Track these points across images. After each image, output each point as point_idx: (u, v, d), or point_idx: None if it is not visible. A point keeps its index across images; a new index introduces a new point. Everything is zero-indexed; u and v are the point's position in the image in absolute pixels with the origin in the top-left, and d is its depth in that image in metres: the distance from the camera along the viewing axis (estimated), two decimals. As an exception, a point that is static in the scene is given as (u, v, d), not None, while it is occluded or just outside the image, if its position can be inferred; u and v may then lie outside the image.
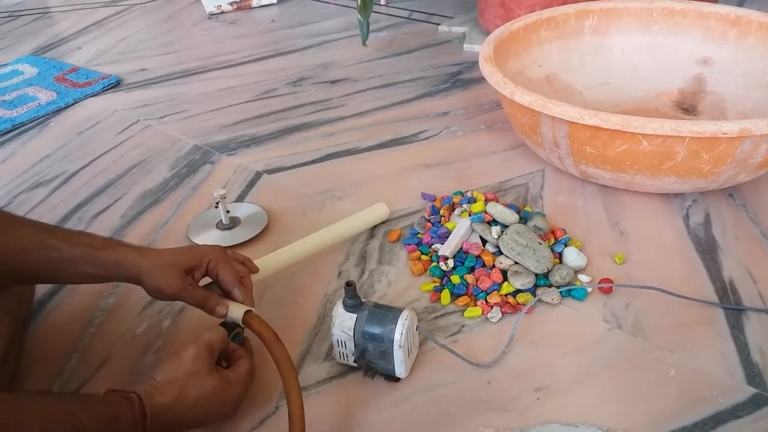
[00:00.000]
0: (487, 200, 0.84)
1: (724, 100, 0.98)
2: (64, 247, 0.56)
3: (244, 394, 0.56)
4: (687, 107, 1.01)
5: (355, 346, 0.58)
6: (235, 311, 0.58)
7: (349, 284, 0.58)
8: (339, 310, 0.59)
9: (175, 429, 0.51)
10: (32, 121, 1.24)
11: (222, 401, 0.53)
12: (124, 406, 0.47)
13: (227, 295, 0.60)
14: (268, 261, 0.70)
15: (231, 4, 1.82)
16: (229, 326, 0.59)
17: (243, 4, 1.83)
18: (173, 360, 0.53)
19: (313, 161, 1.01)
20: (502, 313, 0.67)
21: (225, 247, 0.64)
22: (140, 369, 0.64)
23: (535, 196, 0.88)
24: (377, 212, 0.83)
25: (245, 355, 0.57)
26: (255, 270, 0.66)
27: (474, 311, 0.67)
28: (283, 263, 0.72)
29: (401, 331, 0.56)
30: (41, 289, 0.75)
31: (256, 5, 1.85)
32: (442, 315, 0.68)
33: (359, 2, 1.29)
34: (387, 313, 0.58)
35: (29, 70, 1.49)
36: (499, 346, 0.63)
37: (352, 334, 0.58)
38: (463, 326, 0.66)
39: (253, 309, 0.59)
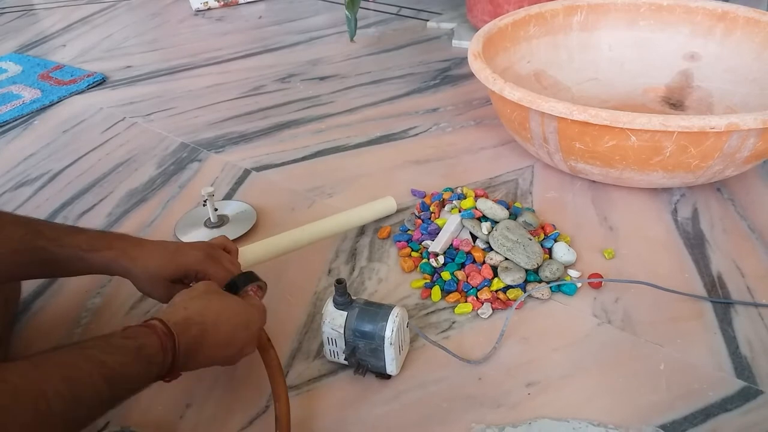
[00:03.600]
0: (477, 196, 0.84)
1: (711, 95, 0.98)
2: (52, 249, 0.55)
3: (261, 325, 0.55)
4: (674, 102, 1.02)
5: (345, 344, 0.58)
6: None
7: (339, 282, 0.57)
8: (329, 307, 0.59)
9: (204, 350, 0.49)
10: (16, 120, 1.22)
11: (244, 322, 0.52)
12: (146, 334, 0.45)
13: None
14: (269, 244, 0.70)
15: (218, 0, 1.81)
16: None
17: (230, 0, 1.82)
18: (185, 290, 0.53)
19: (303, 158, 1.00)
20: (493, 309, 0.67)
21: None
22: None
23: (525, 192, 0.88)
24: (385, 205, 0.82)
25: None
26: (234, 251, 0.65)
27: (464, 307, 0.67)
28: (283, 248, 0.72)
29: (392, 328, 0.56)
30: (27, 290, 0.73)
31: (243, 2, 1.83)
32: (432, 312, 0.68)
33: (347, -2, 1.29)
34: (377, 311, 0.57)
35: (13, 68, 1.47)
36: (489, 342, 0.63)
37: (342, 331, 0.57)
38: (453, 323, 0.66)
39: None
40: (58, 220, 0.88)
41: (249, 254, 0.69)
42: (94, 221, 0.87)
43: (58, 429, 0.37)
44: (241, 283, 0.58)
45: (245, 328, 0.53)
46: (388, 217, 0.84)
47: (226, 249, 0.64)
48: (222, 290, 0.55)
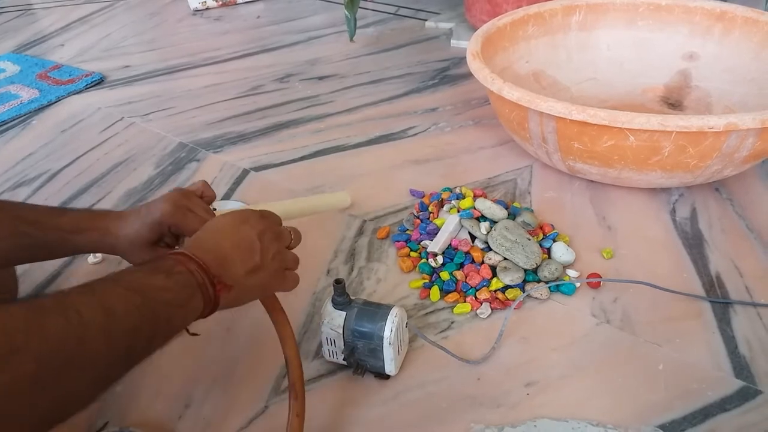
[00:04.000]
0: (475, 196, 0.84)
1: (710, 95, 0.99)
2: (35, 234, 0.55)
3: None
4: (673, 102, 1.02)
5: (344, 344, 0.58)
6: None
7: (338, 282, 0.57)
8: (328, 308, 0.59)
9: (229, 263, 0.47)
10: (14, 120, 1.22)
11: (241, 219, 0.50)
12: (169, 259, 0.44)
13: None
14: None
15: (216, 0, 1.81)
16: None
17: (228, 0, 1.82)
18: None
19: (302, 158, 1.00)
20: (492, 309, 0.67)
21: None
22: (128, 382, 0.63)
23: (524, 191, 0.88)
24: (338, 198, 0.80)
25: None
26: (212, 196, 0.63)
27: (463, 307, 0.67)
28: None
29: (391, 328, 0.56)
30: (34, 280, 0.73)
31: (241, 1, 1.83)
32: (431, 312, 0.68)
33: (346, -2, 1.29)
34: (376, 311, 0.57)
35: (11, 68, 1.46)
36: (488, 342, 0.63)
37: (341, 331, 0.57)
38: (452, 323, 0.66)
39: None
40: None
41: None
42: (93, 221, 0.87)
43: (100, 342, 0.35)
44: None
45: (245, 221, 0.51)
46: (386, 216, 0.84)
47: (203, 195, 0.62)
48: None
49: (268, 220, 0.53)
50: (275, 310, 0.55)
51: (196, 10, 1.79)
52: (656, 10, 1.03)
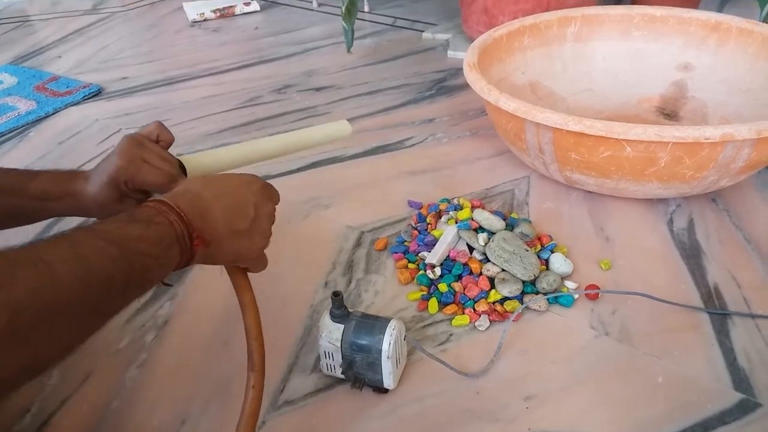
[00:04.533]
0: (473, 207, 0.84)
1: (706, 106, 0.99)
2: (13, 202, 0.56)
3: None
4: (669, 113, 1.02)
5: (342, 358, 0.58)
6: None
7: (336, 294, 0.57)
8: (326, 321, 0.58)
9: (211, 216, 0.46)
10: (11, 132, 1.22)
11: (244, 182, 0.50)
12: (150, 208, 0.43)
13: None
14: (218, 154, 0.64)
15: (214, 11, 1.81)
16: None
17: (226, 11, 1.82)
18: None
19: (298, 169, 1.00)
20: (490, 321, 0.67)
21: None
22: (124, 384, 0.62)
23: (521, 202, 0.88)
24: (338, 128, 0.74)
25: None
26: (170, 139, 0.60)
27: (462, 320, 0.67)
28: (234, 161, 0.65)
29: (389, 341, 0.56)
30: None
31: (239, 13, 1.84)
32: (429, 324, 0.68)
33: (343, 9, 1.29)
34: (375, 323, 0.57)
35: (8, 80, 1.47)
36: (487, 354, 0.63)
37: (339, 345, 0.57)
38: (451, 335, 0.66)
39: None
40: (52, 234, 0.88)
41: (194, 164, 0.61)
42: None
43: (73, 291, 0.34)
44: None
45: (246, 186, 0.50)
46: (384, 227, 0.84)
47: (159, 139, 0.59)
48: None
49: (270, 194, 0.52)
50: (237, 274, 0.51)
51: (194, 22, 1.80)
52: (651, 21, 1.04)
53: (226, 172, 0.55)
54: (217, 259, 0.48)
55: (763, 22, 1.05)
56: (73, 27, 1.84)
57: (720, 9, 1.43)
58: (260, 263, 0.53)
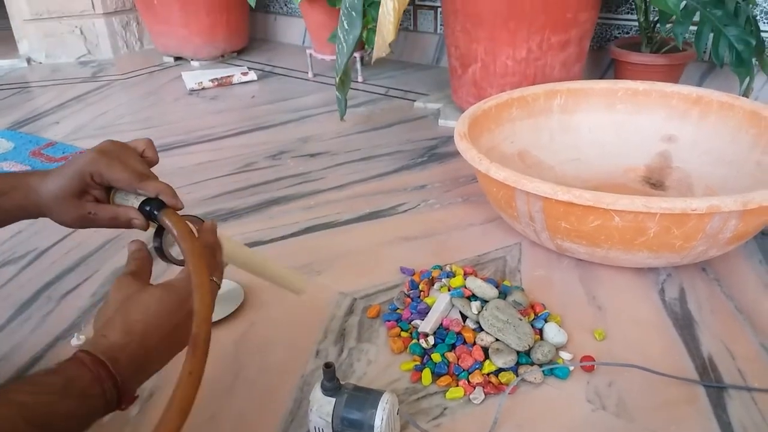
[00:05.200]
0: (466, 274, 0.84)
1: (690, 176, 1.02)
2: None
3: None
4: (654, 182, 1.05)
5: (333, 434, 0.56)
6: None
7: (328, 366, 0.56)
8: (317, 394, 0.57)
9: (150, 366, 0.46)
10: (5, 196, 1.22)
11: (176, 310, 0.46)
12: (72, 368, 0.41)
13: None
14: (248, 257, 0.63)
15: (212, 80, 1.87)
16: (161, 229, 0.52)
17: (224, 80, 1.88)
18: (101, 306, 0.48)
19: (292, 234, 1.01)
20: (485, 394, 0.65)
21: None
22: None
23: (513, 269, 0.88)
24: (298, 282, 0.71)
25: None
26: (154, 158, 0.58)
27: (456, 392, 0.66)
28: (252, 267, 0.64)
29: (382, 416, 0.54)
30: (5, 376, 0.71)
31: (236, 82, 1.89)
32: (423, 396, 0.66)
33: (337, 80, 1.33)
34: (367, 397, 0.56)
35: (5, 145, 1.48)
36: (483, 429, 0.61)
37: (330, 420, 0.56)
38: (445, 408, 0.64)
39: (166, 198, 0.52)
40: (41, 300, 0.87)
41: (231, 250, 0.59)
42: (78, 302, 0.86)
43: None
44: (156, 206, 0.51)
45: (180, 308, 0.46)
46: (376, 294, 0.83)
47: (144, 154, 0.57)
48: (136, 288, 0.47)
49: (206, 297, 0.46)
50: (193, 254, 0.48)
51: (193, 90, 1.85)
52: (634, 95, 1.08)
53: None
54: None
55: (743, 95, 1.10)
56: (71, 94, 1.88)
57: (700, 82, 1.49)
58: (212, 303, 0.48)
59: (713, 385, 0.65)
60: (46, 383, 0.39)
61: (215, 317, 0.79)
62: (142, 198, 0.53)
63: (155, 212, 0.52)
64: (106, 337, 0.44)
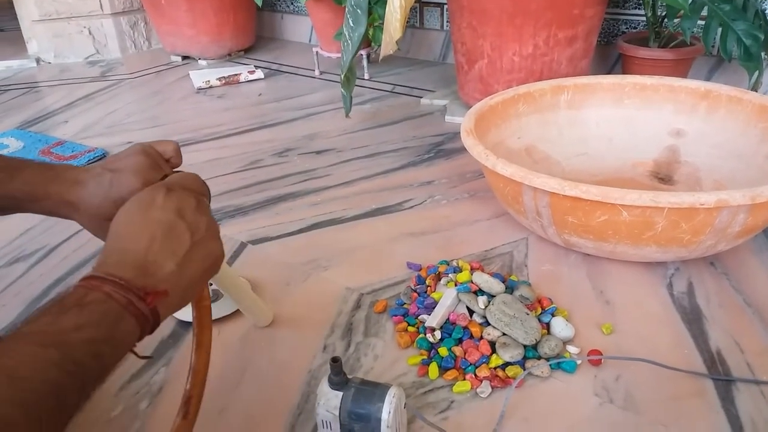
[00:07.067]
0: (472, 269, 0.84)
1: (699, 170, 1.01)
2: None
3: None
4: (663, 177, 1.04)
5: (341, 427, 0.56)
6: None
7: (335, 360, 0.56)
8: (324, 388, 0.57)
9: (157, 266, 0.41)
10: (15, 194, 1.23)
11: (175, 209, 0.44)
12: (78, 289, 0.38)
13: None
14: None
15: (219, 79, 1.87)
16: None
17: (231, 79, 1.88)
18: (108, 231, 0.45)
19: (299, 231, 1.01)
20: (492, 388, 0.66)
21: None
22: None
23: (520, 264, 0.88)
24: (263, 313, 0.76)
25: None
26: (179, 164, 0.58)
27: (463, 386, 0.66)
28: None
29: (389, 410, 0.54)
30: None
31: (244, 80, 1.90)
32: (430, 390, 0.66)
33: (342, 77, 1.34)
34: (374, 391, 0.56)
35: (14, 144, 1.50)
36: (490, 423, 0.61)
37: (337, 413, 0.56)
38: (452, 402, 0.65)
39: None
40: (51, 297, 0.87)
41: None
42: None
43: (14, 415, 0.30)
44: None
45: (151, 205, 0.44)
46: (383, 289, 0.84)
47: (171, 160, 0.57)
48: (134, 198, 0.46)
49: (179, 190, 0.46)
50: (202, 310, 0.47)
51: (200, 89, 1.86)
52: (642, 90, 1.07)
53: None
54: (188, 296, 0.44)
55: (751, 90, 1.09)
56: (80, 93, 1.89)
57: (709, 76, 1.48)
58: (222, 256, 0.48)
59: (721, 378, 0.65)
60: (39, 313, 0.36)
61: (224, 313, 0.80)
62: None
63: None
64: (109, 247, 0.42)
